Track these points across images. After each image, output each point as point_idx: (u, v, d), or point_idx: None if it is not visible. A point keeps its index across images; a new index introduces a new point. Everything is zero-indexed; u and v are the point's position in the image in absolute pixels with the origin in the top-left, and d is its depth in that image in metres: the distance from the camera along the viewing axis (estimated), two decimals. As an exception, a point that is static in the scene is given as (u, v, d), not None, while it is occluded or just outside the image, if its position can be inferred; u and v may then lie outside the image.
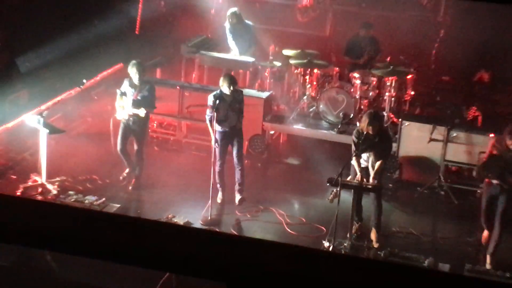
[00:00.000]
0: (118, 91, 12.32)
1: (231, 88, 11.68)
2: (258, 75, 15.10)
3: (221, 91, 11.80)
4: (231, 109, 11.83)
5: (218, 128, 11.84)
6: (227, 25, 15.25)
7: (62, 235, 2.08)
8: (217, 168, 12.02)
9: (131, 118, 12.26)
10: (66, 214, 2.17)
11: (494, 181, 10.64)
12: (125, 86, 12.29)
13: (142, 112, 12.06)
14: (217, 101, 11.68)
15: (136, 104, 12.14)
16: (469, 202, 12.64)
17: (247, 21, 15.34)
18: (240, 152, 12.16)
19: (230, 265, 2.00)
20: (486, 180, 10.81)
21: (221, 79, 11.88)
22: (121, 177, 12.70)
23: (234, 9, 15.26)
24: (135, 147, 12.50)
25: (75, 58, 15.44)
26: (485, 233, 11.16)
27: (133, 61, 12.29)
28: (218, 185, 12.19)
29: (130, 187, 12.55)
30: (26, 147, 13.37)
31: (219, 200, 12.21)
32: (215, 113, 11.65)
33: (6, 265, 9.58)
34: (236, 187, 12.23)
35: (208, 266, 2.04)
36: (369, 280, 1.98)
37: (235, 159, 12.14)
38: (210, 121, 11.75)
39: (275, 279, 2.00)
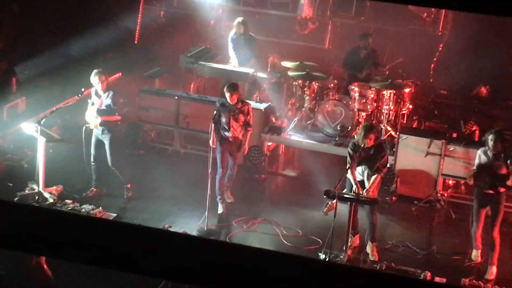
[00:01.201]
0: (89, 101, 12.27)
1: (228, 94, 11.81)
2: (256, 87, 15.10)
3: (225, 99, 12.03)
4: (234, 119, 11.91)
5: (221, 134, 11.99)
6: (231, 34, 15.25)
7: (60, 242, 2.08)
8: (217, 176, 12.05)
9: (99, 128, 12.22)
10: (64, 220, 2.17)
11: (485, 190, 10.79)
12: (93, 95, 12.28)
13: (98, 121, 12.07)
14: (220, 107, 11.90)
15: (100, 113, 12.09)
16: (466, 216, 12.61)
17: (251, 33, 15.37)
18: (236, 160, 12.26)
19: (227, 273, 2.00)
20: (476, 188, 11.01)
21: (225, 86, 12.11)
22: (84, 194, 12.49)
23: (242, 18, 15.28)
24: (108, 156, 12.35)
25: (74, 67, 15.46)
26: (478, 252, 11.24)
27: (95, 70, 12.21)
28: (219, 197, 12.16)
29: (125, 196, 12.52)
30: (23, 155, 13.35)
31: (220, 211, 12.16)
32: (220, 120, 11.91)
33: (3, 273, 9.57)
34: (225, 184, 12.35)
35: (205, 275, 2.03)
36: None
37: (229, 164, 12.18)
38: (213, 124, 11.79)
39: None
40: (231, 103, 11.88)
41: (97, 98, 12.19)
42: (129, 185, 12.58)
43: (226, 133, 11.97)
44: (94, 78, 12.11)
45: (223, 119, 11.93)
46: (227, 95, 11.86)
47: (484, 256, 11.19)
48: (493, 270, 10.93)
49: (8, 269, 9.54)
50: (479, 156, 10.96)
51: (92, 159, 12.41)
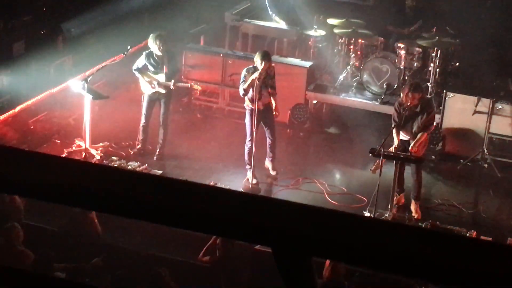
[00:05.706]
0: (136, 69, 12.24)
1: (263, 63, 11.25)
2: (302, 44, 15.02)
3: (254, 67, 11.49)
4: (264, 85, 11.50)
5: (250, 105, 11.59)
6: None
7: (111, 197, 2.11)
8: (246, 148, 11.76)
9: (161, 89, 12.21)
10: (115, 175, 2.20)
11: None
12: (147, 59, 12.14)
13: (171, 84, 12.06)
14: (247, 74, 11.48)
15: (167, 76, 12.09)
16: (512, 176, 12.52)
17: None
18: (273, 128, 11.87)
19: (275, 229, 2.01)
20: None
21: (256, 55, 11.57)
22: (132, 152, 12.58)
23: None
24: (162, 113, 12.39)
25: (120, 25, 15.50)
26: None
27: (154, 34, 12.11)
28: (247, 166, 11.82)
29: (155, 157, 12.48)
30: (70, 112, 13.49)
31: (248, 182, 11.79)
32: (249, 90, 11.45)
33: (55, 230, 9.74)
34: (268, 155, 12.05)
35: (253, 230, 2.05)
36: (411, 246, 1.98)
37: (267, 133, 11.86)
38: (243, 95, 11.58)
39: (321, 244, 2.01)
40: (262, 71, 11.30)
41: (154, 62, 12.12)
42: (162, 151, 12.52)
43: (257, 103, 11.41)
44: (154, 42, 12.01)
45: (254, 89, 11.36)
46: (261, 63, 11.26)
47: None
48: None
49: (60, 226, 9.71)
50: None
51: (144, 119, 12.47)
